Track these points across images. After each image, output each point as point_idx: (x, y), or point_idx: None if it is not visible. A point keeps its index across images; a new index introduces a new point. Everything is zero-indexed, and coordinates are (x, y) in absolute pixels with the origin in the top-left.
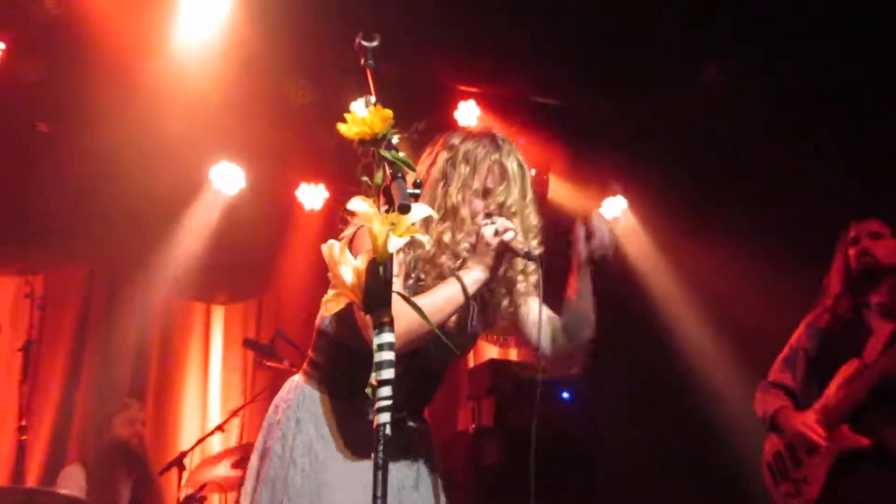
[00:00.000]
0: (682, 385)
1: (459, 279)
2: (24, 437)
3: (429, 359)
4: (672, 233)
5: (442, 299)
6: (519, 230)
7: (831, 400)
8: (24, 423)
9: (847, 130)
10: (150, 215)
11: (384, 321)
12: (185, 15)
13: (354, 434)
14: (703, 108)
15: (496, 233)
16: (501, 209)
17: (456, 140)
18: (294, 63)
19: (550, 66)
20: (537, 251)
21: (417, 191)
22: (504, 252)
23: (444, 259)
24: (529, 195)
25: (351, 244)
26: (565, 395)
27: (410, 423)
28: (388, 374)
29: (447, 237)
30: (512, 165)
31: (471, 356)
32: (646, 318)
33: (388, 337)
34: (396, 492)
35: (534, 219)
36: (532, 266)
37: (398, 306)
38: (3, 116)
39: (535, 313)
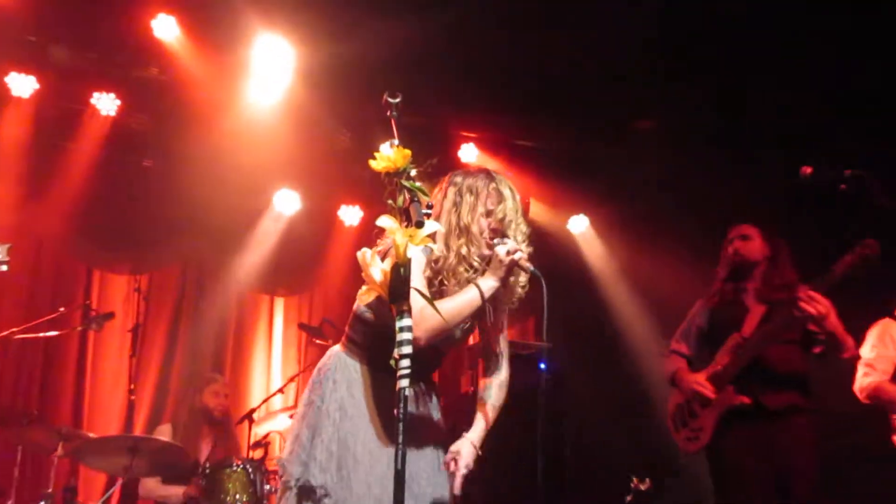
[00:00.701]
0: (628, 357)
1: (478, 286)
2: (132, 398)
3: (439, 343)
4: (623, 243)
5: (464, 302)
6: (518, 241)
7: (718, 365)
8: (132, 387)
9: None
10: (228, 229)
11: (404, 309)
12: (256, 79)
13: (378, 395)
14: (639, 148)
15: (508, 252)
16: (502, 223)
17: (459, 178)
18: (337, 116)
19: (529, 117)
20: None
21: (429, 211)
22: (513, 267)
23: (462, 269)
24: (520, 210)
25: (385, 254)
26: (542, 364)
27: (422, 385)
28: (408, 349)
29: (464, 250)
30: (504, 190)
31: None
32: (602, 310)
33: (407, 321)
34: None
35: (524, 227)
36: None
37: (430, 310)
38: (118, 154)
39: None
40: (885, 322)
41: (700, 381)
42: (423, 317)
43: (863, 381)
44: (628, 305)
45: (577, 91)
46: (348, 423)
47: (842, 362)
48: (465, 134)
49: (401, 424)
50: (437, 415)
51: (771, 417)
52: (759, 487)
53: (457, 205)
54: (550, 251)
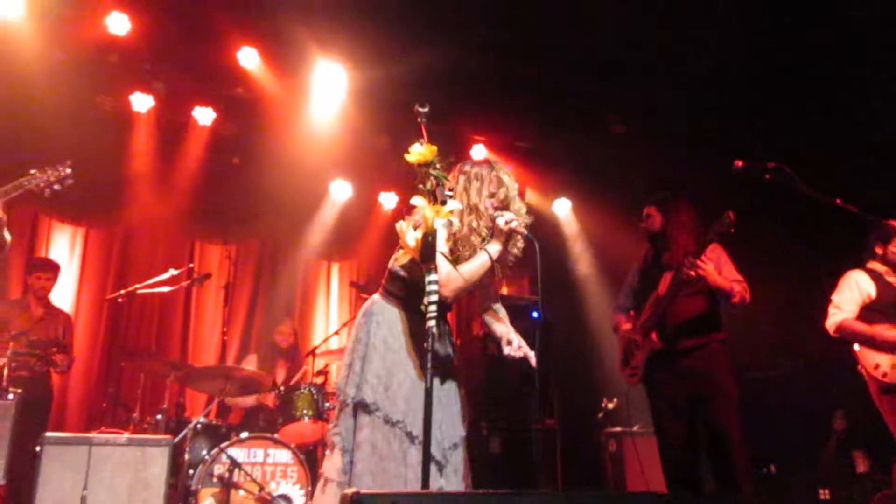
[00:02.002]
0: (597, 314)
1: (487, 251)
2: (225, 338)
3: None
4: (599, 225)
5: (478, 265)
6: (519, 215)
7: (643, 317)
8: (225, 329)
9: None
10: (296, 210)
11: (431, 267)
12: (316, 95)
13: (412, 332)
14: (614, 145)
15: (506, 222)
16: (503, 201)
17: (467, 167)
18: (379, 124)
19: (525, 124)
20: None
21: (451, 193)
22: (511, 233)
23: (473, 239)
24: (516, 190)
25: (416, 225)
26: (534, 313)
27: (441, 324)
28: (434, 297)
29: (474, 224)
30: (503, 176)
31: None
32: (576, 269)
33: (434, 276)
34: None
35: (522, 205)
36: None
37: (455, 273)
38: (214, 154)
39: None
40: (853, 272)
41: (630, 331)
42: (448, 279)
43: (831, 318)
44: (600, 273)
45: (564, 102)
46: (391, 355)
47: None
48: (476, 137)
49: (430, 354)
50: (452, 347)
51: (685, 354)
52: (675, 411)
53: (466, 189)
54: (541, 228)
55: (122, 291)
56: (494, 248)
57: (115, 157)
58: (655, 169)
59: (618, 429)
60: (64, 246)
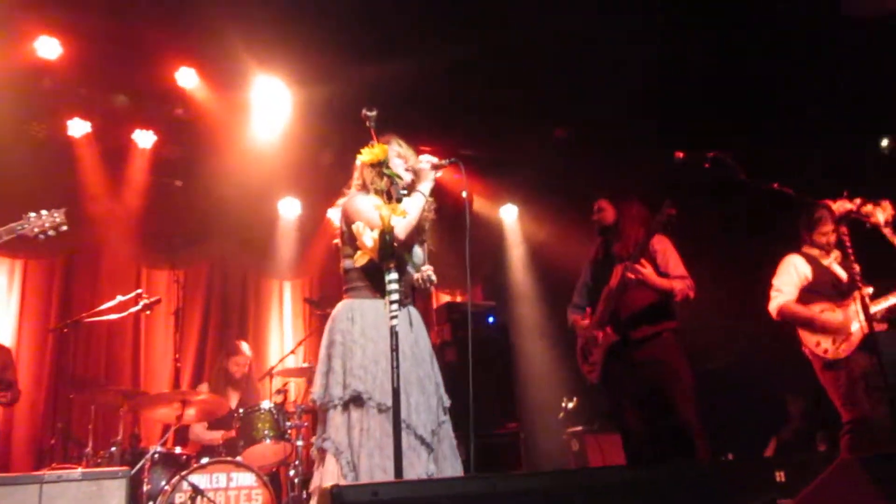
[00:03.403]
0: (552, 313)
1: (419, 191)
2: (178, 364)
3: (410, 275)
4: (546, 229)
5: (418, 199)
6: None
7: (598, 312)
8: (177, 355)
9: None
10: (244, 231)
11: (390, 266)
12: (260, 116)
13: (381, 318)
14: (557, 152)
15: (427, 161)
16: (408, 160)
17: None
18: (325, 139)
19: (469, 133)
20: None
21: (405, 191)
22: (435, 169)
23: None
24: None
25: (346, 209)
26: (490, 318)
27: (410, 308)
28: (395, 286)
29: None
30: (403, 149)
31: (434, 300)
32: (527, 273)
33: (394, 275)
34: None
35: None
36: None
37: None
38: (155, 176)
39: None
40: (791, 256)
41: (587, 327)
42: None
43: (773, 302)
44: (545, 275)
45: (504, 111)
46: (372, 345)
47: None
48: (421, 147)
49: (394, 353)
50: (426, 331)
51: (639, 344)
52: (634, 403)
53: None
54: (489, 234)
55: (68, 321)
56: (425, 186)
57: (53, 186)
58: (599, 172)
59: (579, 428)
60: (1, 279)
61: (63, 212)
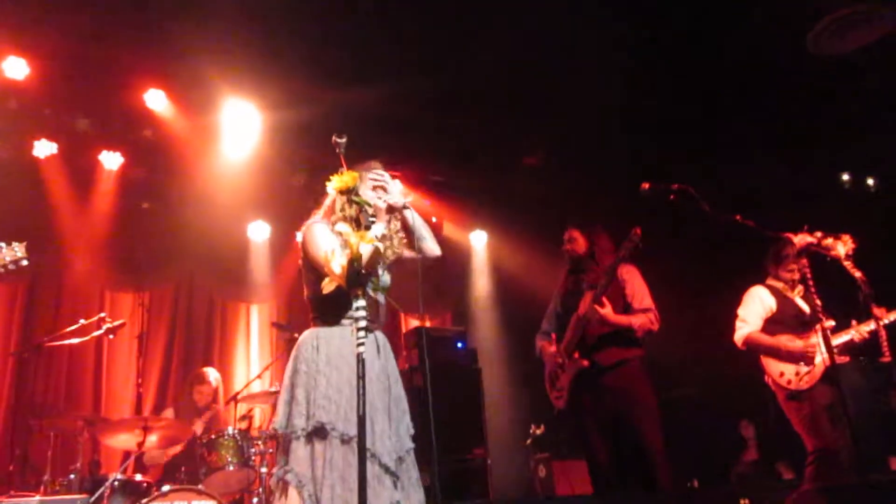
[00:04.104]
0: (521, 339)
1: (373, 232)
2: (140, 390)
3: (376, 298)
4: (513, 255)
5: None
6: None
7: (566, 339)
8: (140, 380)
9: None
10: (211, 254)
11: (359, 293)
12: (229, 139)
13: (347, 345)
14: (527, 178)
15: (386, 202)
16: (386, 189)
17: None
18: (294, 163)
19: (439, 159)
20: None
21: (374, 218)
22: (388, 212)
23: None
24: (388, 177)
25: (304, 241)
26: (459, 344)
27: (377, 333)
28: (362, 314)
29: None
30: (383, 177)
31: (403, 324)
32: (496, 299)
33: (362, 303)
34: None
35: (397, 187)
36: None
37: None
38: (122, 199)
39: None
40: (756, 287)
41: (554, 353)
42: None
43: (739, 332)
44: (515, 299)
45: (475, 138)
46: (336, 373)
47: None
48: (392, 172)
49: (360, 381)
50: (394, 358)
51: (606, 370)
52: (600, 429)
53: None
54: (458, 259)
55: (29, 346)
56: (378, 228)
57: (15, 208)
58: (569, 199)
59: (546, 454)
60: None
61: (24, 246)
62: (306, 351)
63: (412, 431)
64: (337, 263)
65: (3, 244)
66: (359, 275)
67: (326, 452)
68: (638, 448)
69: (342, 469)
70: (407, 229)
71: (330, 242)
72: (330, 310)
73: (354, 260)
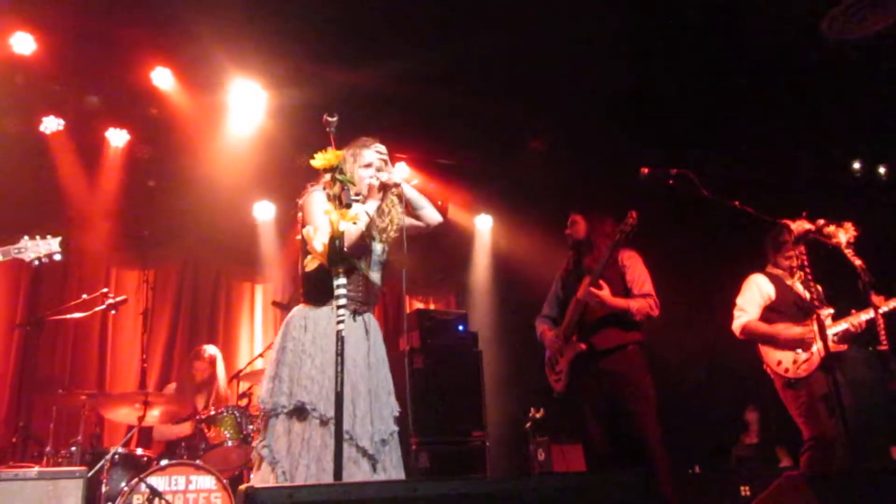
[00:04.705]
0: (525, 321)
1: (365, 210)
2: (144, 365)
3: (368, 276)
4: (521, 239)
5: (363, 217)
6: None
7: (565, 321)
8: (144, 356)
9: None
10: (216, 233)
11: (340, 271)
12: (235, 117)
13: (333, 326)
14: (534, 163)
15: (377, 179)
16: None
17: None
18: (299, 143)
19: (446, 141)
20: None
21: (358, 197)
22: (381, 189)
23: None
24: (385, 157)
25: (303, 207)
26: (460, 327)
27: (367, 316)
28: (343, 291)
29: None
30: (379, 155)
31: (406, 305)
32: (500, 283)
33: (343, 280)
34: (353, 358)
35: (392, 169)
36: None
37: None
38: (128, 177)
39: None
40: (754, 275)
41: (554, 338)
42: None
43: (737, 321)
44: (517, 282)
45: (482, 120)
46: (321, 354)
47: None
48: (397, 154)
49: (339, 357)
50: (381, 340)
51: (603, 354)
52: (597, 414)
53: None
54: (463, 243)
55: (32, 319)
56: (371, 205)
57: (22, 183)
58: (574, 184)
59: (545, 438)
60: None
61: (59, 241)
62: (294, 329)
63: (397, 413)
64: (319, 241)
65: (39, 237)
66: (340, 253)
67: (305, 432)
68: (632, 434)
69: (318, 449)
70: (403, 201)
71: (320, 217)
72: (319, 288)
73: (336, 238)
